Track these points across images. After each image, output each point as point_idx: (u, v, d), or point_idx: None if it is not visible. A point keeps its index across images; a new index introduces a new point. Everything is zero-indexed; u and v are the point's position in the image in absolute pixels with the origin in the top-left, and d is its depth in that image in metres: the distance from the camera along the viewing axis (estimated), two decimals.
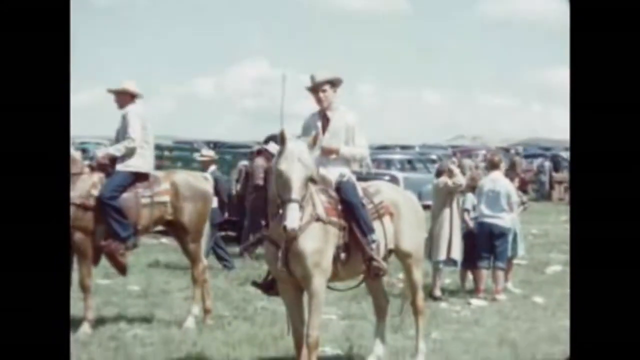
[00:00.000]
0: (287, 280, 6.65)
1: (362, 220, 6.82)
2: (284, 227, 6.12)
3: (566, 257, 13.32)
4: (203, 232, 9.42)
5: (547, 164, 32.38)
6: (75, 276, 8.63)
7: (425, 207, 9.16)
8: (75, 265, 8.73)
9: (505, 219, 11.40)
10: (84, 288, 8.71)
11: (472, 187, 11.73)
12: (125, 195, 8.70)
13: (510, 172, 20.20)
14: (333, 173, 6.99)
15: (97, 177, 8.73)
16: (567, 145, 34.86)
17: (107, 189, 8.61)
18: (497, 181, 11.57)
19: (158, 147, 16.15)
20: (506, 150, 40.89)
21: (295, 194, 6.19)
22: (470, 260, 11.44)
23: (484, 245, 11.37)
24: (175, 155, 21.05)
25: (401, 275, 8.98)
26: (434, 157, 32.32)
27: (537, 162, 34.49)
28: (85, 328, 8.56)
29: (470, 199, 11.68)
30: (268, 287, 7.05)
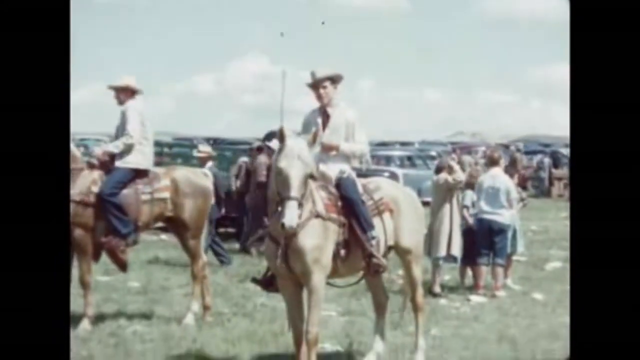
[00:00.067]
0: (286, 277, 6.65)
1: (362, 216, 6.82)
2: (282, 225, 6.12)
3: (566, 253, 13.33)
4: (203, 229, 9.44)
5: (547, 161, 32.37)
6: (75, 273, 8.63)
7: (425, 204, 9.17)
8: (75, 262, 8.73)
9: (504, 216, 11.40)
10: (84, 284, 8.71)
11: (471, 184, 11.73)
12: (125, 191, 8.70)
13: (510, 169, 20.17)
14: (333, 169, 6.98)
15: (97, 173, 8.73)
16: (567, 141, 34.88)
17: (107, 186, 8.61)
18: (497, 178, 11.57)
19: (158, 144, 16.14)
20: (506, 146, 40.82)
21: (294, 191, 6.19)
22: (470, 257, 11.45)
23: (483, 241, 11.37)
24: (175, 151, 21.00)
25: (401, 272, 8.97)
26: (433, 153, 32.32)
27: (536, 158, 34.46)
28: (85, 324, 8.56)
29: (470, 195, 11.69)
30: (268, 283, 7.05)
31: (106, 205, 8.55)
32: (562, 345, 7.59)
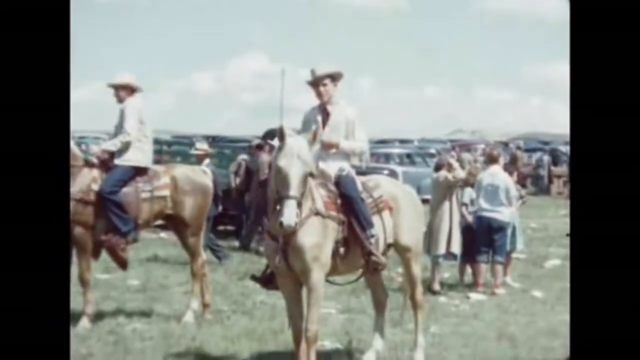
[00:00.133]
0: (286, 275, 6.65)
1: (361, 214, 6.82)
2: (281, 223, 6.12)
3: (565, 251, 13.35)
4: (203, 226, 9.44)
5: (546, 158, 32.37)
6: (74, 271, 8.63)
7: (424, 201, 9.17)
8: (74, 260, 8.73)
9: (504, 213, 11.40)
10: (83, 282, 8.71)
11: (471, 182, 11.73)
12: (125, 189, 8.70)
13: (510, 166, 20.15)
14: (332, 167, 6.98)
15: (97, 171, 8.73)
16: (566, 139, 34.93)
17: (107, 184, 8.61)
18: (496, 175, 11.57)
19: (157, 142, 16.12)
20: (505, 144, 40.86)
21: (293, 190, 6.19)
22: (469, 254, 11.45)
23: (482, 239, 11.38)
24: (174, 149, 21.01)
25: (400, 270, 8.97)
26: (433, 151, 32.33)
27: (536, 156, 34.48)
28: (84, 322, 8.57)
29: (469, 193, 11.69)
30: (267, 281, 7.05)
31: (106, 203, 8.56)
32: (562, 342, 7.60)
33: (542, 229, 19.08)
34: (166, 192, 8.94)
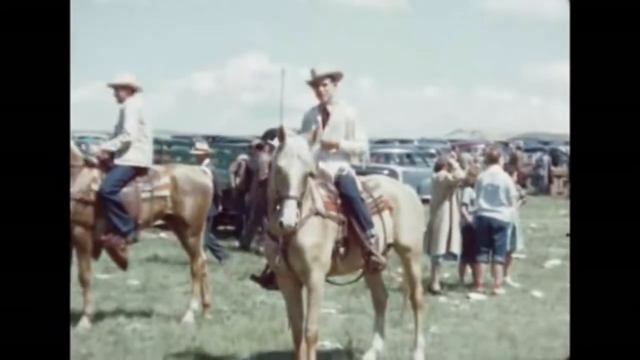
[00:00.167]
0: (286, 274, 6.65)
1: (361, 214, 6.82)
2: (281, 224, 6.12)
3: (565, 251, 13.34)
4: (203, 226, 9.44)
5: (546, 158, 32.37)
6: (74, 270, 8.63)
7: (424, 201, 9.17)
8: (74, 260, 8.73)
9: (504, 213, 11.40)
10: (83, 282, 8.71)
11: (470, 182, 11.73)
12: (125, 189, 8.70)
13: (510, 166, 20.12)
14: (332, 167, 6.98)
15: (97, 171, 8.73)
16: (566, 139, 34.91)
17: (108, 184, 8.61)
18: (496, 175, 11.57)
19: (157, 142, 16.12)
20: (505, 144, 40.86)
21: (293, 190, 6.19)
22: (469, 254, 11.45)
23: (482, 239, 11.38)
24: (174, 149, 21.02)
25: (400, 270, 8.97)
26: (432, 151, 32.33)
27: (536, 156, 34.48)
28: (84, 322, 8.57)
29: (469, 193, 11.69)
30: (267, 281, 7.05)
31: (106, 204, 8.56)
32: (562, 342, 7.60)
33: (542, 229, 19.08)
34: (166, 192, 8.94)
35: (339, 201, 6.80)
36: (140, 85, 9.15)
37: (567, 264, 9.54)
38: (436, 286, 11.14)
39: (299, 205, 6.23)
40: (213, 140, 30.41)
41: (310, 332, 6.53)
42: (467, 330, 8.87)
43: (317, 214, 6.53)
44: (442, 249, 11.16)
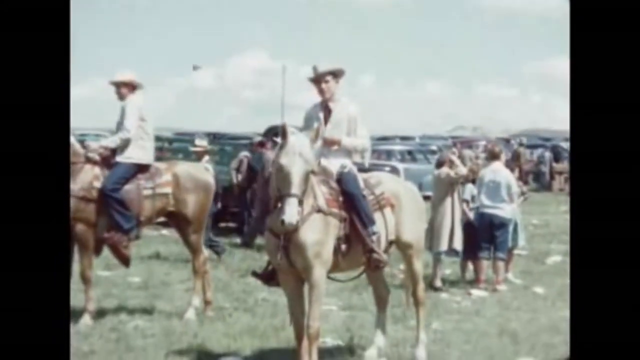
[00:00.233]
0: (287, 271, 6.65)
1: (363, 211, 6.82)
2: (282, 221, 6.13)
3: (567, 247, 13.32)
4: (204, 224, 9.45)
5: (548, 155, 32.37)
6: (76, 268, 8.64)
7: (426, 198, 9.17)
8: (76, 257, 8.74)
9: (505, 210, 11.41)
10: (85, 280, 8.72)
11: (471, 178, 11.73)
12: (127, 187, 8.70)
13: (512, 163, 20.13)
14: (334, 164, 6.99)
15: (99, 169, 8.74)
16: (567, 135, 34.83)
17: (110, 181, 8.62)
18: (498, 172, 11.57)
19: (158, 139, 16.12)
20: (507, 140, 40.81)
21: (295, 188, 6.19)
22: (471, 251, 11.46)
23: (484, 235, 11.38)
24: (175, 147, 20.99)
25: (402, 266, 8.97)
26: (434, 147, 32.25)
27: (537, 152, 34.48)
28: (86, 319, 8.57)
29: (469, 189, 11.69)
30: (268, 277, 7.05)
31: (108, 201, 8.56)
32: (563, 339, 7.59)
33: (544, 226, 19.08)
34: (168, 190, 8.95)
35: (340, 198, 6.80)
36: (141, 82, 9.15)
37: (568, 260, 9.56)
38: (438, 283, 11.15)
39: (301, 203, 6.24)
40: (214, 137, 30.37)
41: (312, 328, 6.54)
42: (468, 327, 8.87)
43: (319, 211, 6.54)
44: (444, 246, 11.17)
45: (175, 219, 9.23)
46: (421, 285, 7.62)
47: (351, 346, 7.87)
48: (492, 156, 12.02)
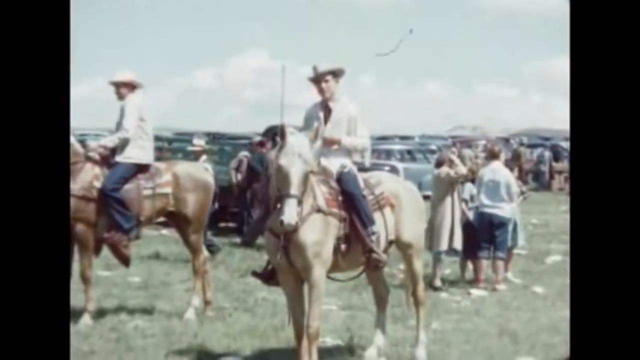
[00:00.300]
0: (287, 271, 6.65)
1: (363, 211, 6.82)
2: (281, 222, 6.13)
3: (566, 247, 13.33)
4: (204, 223, 9.45)
5: (547, 154, 32.38)
6: (76, 268, 8.64)
7: (425, 198, 9.18)
8: (76, 257, 8.74)
9: (505, 209, 11.41)
10: (85, 279, 8.72)
11: (470, 178, 11.73)
12: (127, 186, 8.70)
13: (512, 163, 20.13)
14: (334, 164, 6.99)
15: (99, 168, 8.74)
16: (567, 135, 34.84)
17: (110, 181, 8.62)
18: (497, 171, 11.57)
19: (158, 139, 16.12)
20: (506, 140, 40.81)
21: (294, 189, 6.20)
22: (471, 251, 11.46)
23: (484, 235, 11.38)
24: (175, 146, 21.00)
25: (402, 266, 8.98)
26: (433, 147, 32.25)
27: (537, 152, 34.49)
28: (86, 319, 8.57)
29: (469, 189, 11.69)
30: (268, 277, 7.05)
31: (108, 201, 8.56)
32: (563, 339, 7.60)
33: (543, 225, 19.09)
34: (168, 189, 8.95)
35: (340, 198, 6.80)
36: (141, 82, 9.14)
37: (568, 260, 9.56)
38: (437, 282, 11.15)
39: (300, 203, 6.24)
40: (214, 137, 30.39)
41: (312, 328, 6.54)
42: (468, 327, 8.88)
43: (319, 210, 6.54)
44: (444, 245, 11.17)
45: (175, 218, 9.23)
46: (421, 285, 7.62)
47: (351, 346, 7.87)
48: (492, 155, 12.02)
